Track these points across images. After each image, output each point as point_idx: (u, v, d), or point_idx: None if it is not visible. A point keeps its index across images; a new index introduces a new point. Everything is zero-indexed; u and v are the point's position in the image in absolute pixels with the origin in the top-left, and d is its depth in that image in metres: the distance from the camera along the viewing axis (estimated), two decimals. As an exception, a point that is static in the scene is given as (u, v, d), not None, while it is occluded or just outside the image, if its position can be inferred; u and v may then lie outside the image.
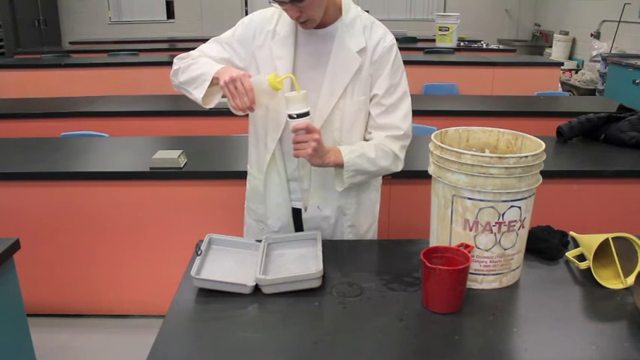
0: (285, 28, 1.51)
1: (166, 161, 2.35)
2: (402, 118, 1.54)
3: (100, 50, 6.35)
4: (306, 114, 1.38)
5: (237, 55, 1.54)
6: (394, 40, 1.53)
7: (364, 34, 1.50)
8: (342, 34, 1.49)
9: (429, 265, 1.21)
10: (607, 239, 1.37)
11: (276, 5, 1.43)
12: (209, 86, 1.44)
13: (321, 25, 1.48)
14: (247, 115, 1.66)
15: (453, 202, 1.30)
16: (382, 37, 1.51)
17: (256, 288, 1.32)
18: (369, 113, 1.55)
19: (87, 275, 2.54)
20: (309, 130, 1.38)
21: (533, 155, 1.24)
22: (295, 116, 1.37)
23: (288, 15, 1.42)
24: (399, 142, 1.54)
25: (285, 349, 1.14)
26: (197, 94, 1.46)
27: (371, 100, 1.54)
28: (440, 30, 6.59)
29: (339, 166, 1.48)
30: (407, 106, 1.55)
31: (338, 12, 1.50)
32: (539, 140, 1.32)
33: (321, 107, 1.50)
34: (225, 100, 1.42)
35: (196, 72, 1.46)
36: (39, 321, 2.36)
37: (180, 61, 1.53)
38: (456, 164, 1.26)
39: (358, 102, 1.52)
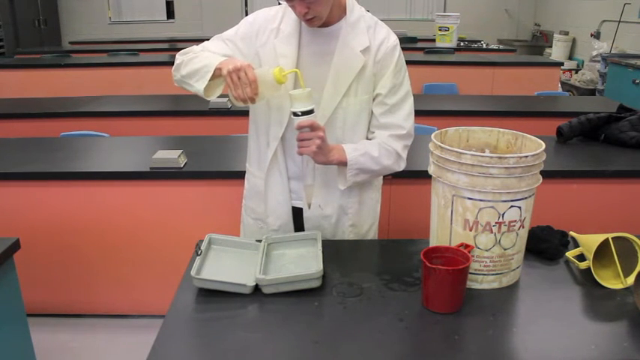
0: (289, 26, 1.51)
1: (166, 161, 2.35)
2: (404, 117, 1.54)
3: (100, 50, 6.34)
4: (311, 111, 1.38)
5: (239, 52, 1.54)
6: (397, 41, 1.54)
7: (368, 34, 1.50)
8: (346, 34, 1.49)
9: (429, 265, 1.21)
10: (607, 239, 1.37)
11: (284, 2, 1.43)
12: (211, 78, 1.43)
13: (326, 24, 1.49)
14: (247, 113, 1.66)
15: (453, 202, 1.30)
16: (386, 37, 1.52)
17: (256, 288, 1.32)
18: (372, 112, 1.55)
19: (87, 275, 2.54)
20: (313, 127, 1.39)
21: (533, 155, 1.24)
22: (300, 114, 1.37)
23: (295, 12, 1.42)
24: (402, 142, 1.55)
25: (285, 349, 1.14)
26: (199, 85, 1.45)
27: (374, 100, 1.54)
28: (440, 30, 6.58)
29: (343, 164, 1.49)
30: (409, 105, 1.56)
31: (342, 11, 1.50)
32: (539, 140, 1.32)
33: (324, 106, 1.50)
34: (224, 100, 1.42)
35: (199, 64, 1.46)
36: (39, 321, 2.36)
37: (182, 55, 1.54)
38: (456, 164, 1.26)
39: (361, 101, 1.52)
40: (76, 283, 2.56)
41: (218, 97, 1.55)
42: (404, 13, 9.41)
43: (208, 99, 1.51)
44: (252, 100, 1.38)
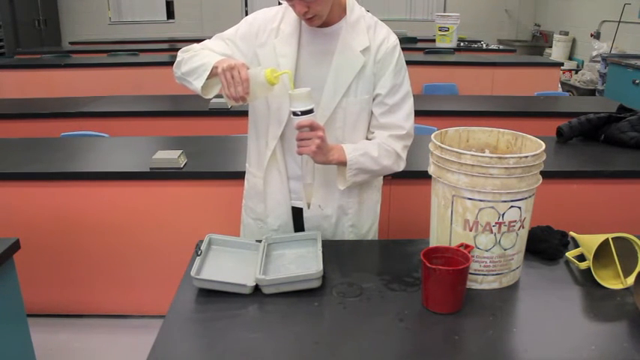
0: (289, 26, 1.52)
1: (166, 161, 2.35)
2: (404, 117, 1.54)
3: (100, 50, 6.34)
4: (311, 111, 1.38)
5: (239, 51, 1.55)
6: (397, 41, 1.54)
7: (368, 34, 1.50)
8: (346, 34, 1.49)
9: (429, 265, 1.21)
10: (607, 239, 1.37)
11: (284, 2, 1.43)
12: (209, 77, 1.44)
13: (326, 24, 1.49)
14: (247, 113, 1.66)
15: (453, 203, 1.30)
16: (386, 37, 1.52)
17: (256, 288, 1.32)
18: (372, 112, 1.55)
19: (87, 275, 2.54)
20: (313, 127, 1.39)
21: (533, 155, 1.24)
22: (299, 113, 1.37)
23: (295, 11, 1.43)
24: (402, 142, 1.55)
25: (285, 349, 1.14)
26: (197, 84, 1.46)
27: (374, 100, 1.54)
28: (440, 30, 6.58)
29: (342, 164, 1.49)
30: (409, 105, 1.56)
31: (342, 11, 1.51)
32: (539, 140, 1.32)
33: (324, 106, 1.50)
34: (223, 100, 1.42)
35: (197, 63, 1.47)
36: (39, 321, 2.36)
37: (183, 53, 1.55)
38: (456, 164, 1.26)
39: (361, 101, 1.52)
40: (76, 283, 2.56)
41: (218, 97, 1.55)
42: (404, 13, 9.41)
43: (207, 97, 1.52)
44: (244, 100, 1.39)
